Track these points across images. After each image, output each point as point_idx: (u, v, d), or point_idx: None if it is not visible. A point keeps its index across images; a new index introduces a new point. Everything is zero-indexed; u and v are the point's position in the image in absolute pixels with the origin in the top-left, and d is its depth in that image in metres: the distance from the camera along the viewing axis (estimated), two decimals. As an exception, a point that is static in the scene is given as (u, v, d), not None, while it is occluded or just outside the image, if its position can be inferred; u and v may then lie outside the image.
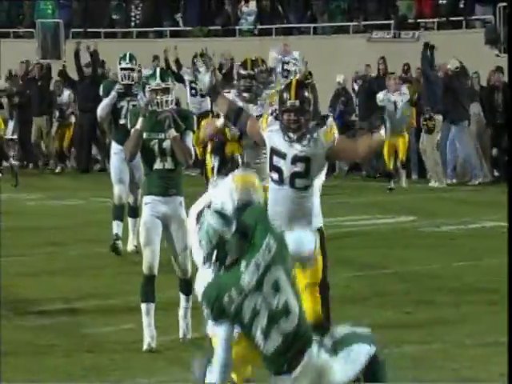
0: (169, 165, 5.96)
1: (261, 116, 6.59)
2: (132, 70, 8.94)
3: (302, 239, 4.74)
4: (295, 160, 4.91)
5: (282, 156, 4.94)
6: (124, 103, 8.86)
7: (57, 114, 16.68)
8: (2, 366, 5.51)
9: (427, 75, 14.52)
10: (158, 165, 5.97)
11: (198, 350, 5.14)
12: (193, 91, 13.51)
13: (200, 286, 3.78)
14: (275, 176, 4.98)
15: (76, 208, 12.06)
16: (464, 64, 14.90)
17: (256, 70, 6.82)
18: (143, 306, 5.93)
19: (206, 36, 18.53)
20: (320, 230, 5.00)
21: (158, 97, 5.95)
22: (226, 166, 3.77)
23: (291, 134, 4.91)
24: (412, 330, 6.22)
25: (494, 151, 14.79)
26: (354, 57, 15.99)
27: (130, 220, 8.89)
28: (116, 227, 8.82)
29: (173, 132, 5.95)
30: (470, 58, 14.77)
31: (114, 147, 8.96)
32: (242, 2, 18.96)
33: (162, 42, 16.62)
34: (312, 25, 18.70)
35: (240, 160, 6.02)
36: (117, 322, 6.43)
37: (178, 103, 6.22)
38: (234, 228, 3.64)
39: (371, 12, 18.35)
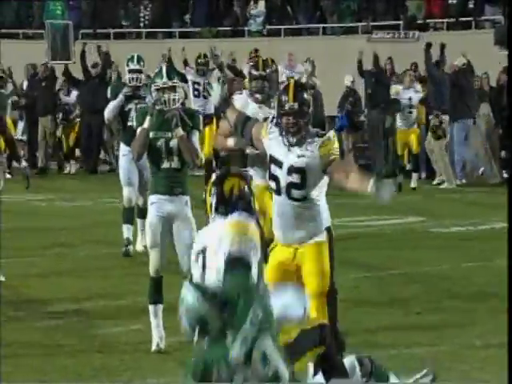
0: (175, 164, 5.95)
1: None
2: (140, 71, 8.90)
3: (291, 304, 4.44)
4: (291, 170, 4.83)
5: (279, 165, 4.86)
6: (132, 106, 8.84)
7: (60, 115, 16.68)
8: (11, 366, 5.53)
9: (433, 75, 14.50)
10: (164, 164, 5.95)
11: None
12: (196, 92, 13.48)
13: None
14: (273, 185, 4.91)
15: (84, 209, 12.08)
16: (473, 64, 14.88)
17: (268, 70, 6.76)
18: (151, 308, 5.94)
19: (214, 37, 18.54)
20: (328, 230, 4.94)
21: (165, 95, 5.92)
22: (224, 204, 3.62)
23: (291, 138, 4.82)
24: (421, 331, 6.21)
25: (503, 153, 14.75)
26: (363, 57, 15.94)
27: (138, 221, 8.90)
28: (126, 231, 8.85)
29: (180, 131, 5.93)
30: (480, 58, 14.74)
31: (123, 149, 8.96)
32: (251, 3, 18.96)
33: (171, 43, 16.62)
34: (321, 25, 18.69)
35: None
36: (126, 323, 6.45)
37: (183, 103, 6.18)
38: (215, 303, 3.52)
39: (380, 12, 18.34)
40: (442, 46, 14.55)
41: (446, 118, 14.46)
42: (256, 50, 15.13)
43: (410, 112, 13.41)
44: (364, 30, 18.10)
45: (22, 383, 5.26)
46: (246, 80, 12.11)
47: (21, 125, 17.03)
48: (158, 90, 5.97)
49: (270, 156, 4.88)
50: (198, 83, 13.14)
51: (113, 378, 5.31)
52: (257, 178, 6.27)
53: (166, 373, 5.38)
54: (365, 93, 15.77)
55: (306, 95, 4.87)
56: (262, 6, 18.90)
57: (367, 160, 16.39)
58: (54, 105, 16.67)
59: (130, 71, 8.92)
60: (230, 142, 6.52)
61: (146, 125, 5.94)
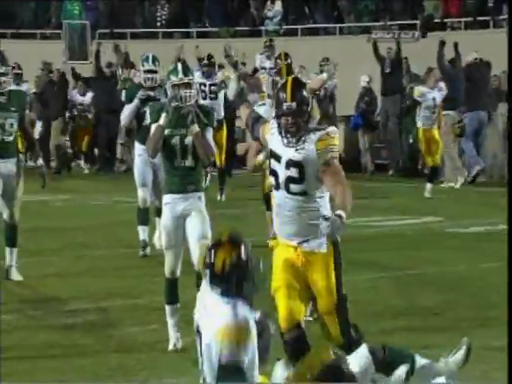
0: (189, 162, 5.93)
1: None
2: (155, 71, 8.86)
3: None
4: (289, 164, 4.69)
5: (278, 159, 4.73)
6: (147, 108, 8.82)
7: (67, 114, 16.68)
8: (29, 365, 5.55)
9: (446, 73, 14.44)
10: (178, 162, 5.93)
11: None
12: (202, 94, 13.42)
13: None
14: (273, 180, 4.79)
15: (101, 209, 12.12)
16: (492, 63, 14.82)
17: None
18: (167, 308, 5.95)
19: (232, 36, 18.55)
20: (332, 240, 4.73)
21: (181, 91, 5.92)
22: (217, 280, 3.47)
23: (290, 138, 4.68)
24: (439, 331, 6.19)
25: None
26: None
27: (156, 219, 8.90)
28: (142, 233, 8.85)
29: (196, 127, 5.92)
30: (498, 57, 14.66)
31: (138, 148, 8.92)
32: (268, 3, 18.94)
33: (189, 43, 16.65)
34: (337, 25, 18.66)
35: None
36: (143, 323, 6.46)
37: (196, 100, 6.14)
38: None
39: (397, 12, 18.30)
40: (456, 45, 14.48)
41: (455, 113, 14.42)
42: (271, 40, 15.10)
43: (434, 112, 13.36)
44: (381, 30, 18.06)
45: (39, 383, 5.29)
46: (262, 76, 12.01)
47: (39, 125, 17.10)
48: (173, 86, 5.97)
49: (270, 150, 4.79)
50: (204, 84, 13.08)
51: (129, 378, 5.33)
52: None
53: (182, 372, 5.38)
54: (381, 79, 15.82)
55: (304, 93, 4.69)
56: (278, 5, 18.88)
57: (384, 160, 16.37)
58: (64, 106, 16.71)
59: (146, 71, 8.90)
60: (260, 156, 6.44)
61: (161, 121, 5.92)
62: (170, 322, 5.96)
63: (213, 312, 3.56)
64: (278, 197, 4.75)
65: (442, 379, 4.75)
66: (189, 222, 5.88)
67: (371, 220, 10.78)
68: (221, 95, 12.97)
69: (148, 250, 8.83)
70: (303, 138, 4.66)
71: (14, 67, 12.89)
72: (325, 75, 7.54)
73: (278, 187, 4.74)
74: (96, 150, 17.08)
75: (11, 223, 7.87)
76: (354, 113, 16.29)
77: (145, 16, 20.08)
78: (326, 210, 4.72)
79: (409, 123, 15.43)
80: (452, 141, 14.35)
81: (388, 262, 8.51)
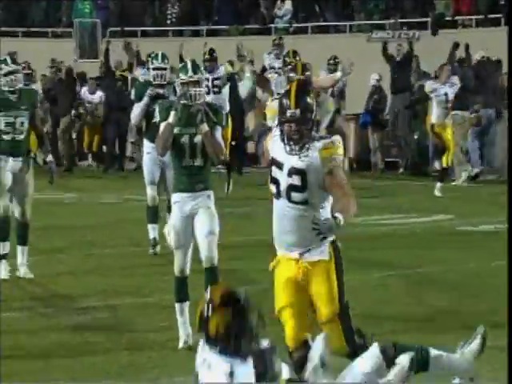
0: (198, 161, 5.91)
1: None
2: (164, 69, 8.86)
3: None
4: (291, 172, 4.56)
5: (280, 167, 4.59)
6: (156, 106, 8.81)
7: (72, 111, 16.69)
8: (42, 363, 5.57)
9: (457, 73, 14.41)
10: (187, 161, 5.92)
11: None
12: (205, 89, 13.36)
13: None
14: (273, 188, 4.63)
15: (111, 207, 12.13)
16: (503, 62, 14.78)
17: (307, 73, 6.44)
18: (177, 306, 5.95)
19: (241, 34, 18.55)
20: (333, 244, 4.62)
21: (191, 89, 5.91)
22: (212, 342, 3.42)
23: (293, 146, 4.55)
24: (449, 328, 6.18)
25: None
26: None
27: (167, 215, 8.90)
28: (152, 231, 8.87)
29: (205, 126, 5.90)
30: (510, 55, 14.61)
31: (147, 146, 8.93)
32: (278, 2, 18.92)
33: (198, 41, 16.65)
34: (347, 23, 18.63)
35: None
36: (153, 320, 6.47)
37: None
38: None
39: (408, 10, 18.27)
40: (467, 46, 14.46)
41: (465, 113, 14.38)
42: (280, 38, 15.07)
43: (446, 107, 13.33)
44: (391, 28, 18.02)
45: (51, 381, 5.30)
46: (270, 75, 11.92)
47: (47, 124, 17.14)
48: (182, 84, 5.96)
49: (272, 158, 4.64)
50: (207, 79, 13.06)
51: (140, 376, 5.33)
52: None
53: (193, 370, 5.37)
54: (390, 77, 15.80)
55: (309, 99, 4.55)
56: (288, 4, 18.86)
57: (394, 158, 16.34)
58: (71, 105, 16.73)
59: (155, 69, 8.90)
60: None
61: (170, 120, 5.90)
62: (180, 320, 5.96)
63: (212, 367, 3.50)
64: (279, 206, 4.62)
65: (457, 380, 4.70)
66: (197, 220, 5.88)
67: (381, 218, 10.76)
68: (225, 90, 12.95)
69: (158, 248, 8.83)
70: (307, 146, 4.54)
71: (24, 67, 12.94)
72: (339, 74, 7.39)
73: (279, 196, 4.62)
74: (104, 149, 17.10)
75: (23, 221, 7.89)
76: (363, 111, 16.27)
77: (155, 14, 20.11)
78: (326, 213, 4.58)
79: (415, 120, 15.44)
80: (460, 139, 14.31)
81: (398, 261, 8.49)
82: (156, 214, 8.94)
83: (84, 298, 7.18)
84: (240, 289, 3.48)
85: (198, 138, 5.92)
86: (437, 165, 13.96)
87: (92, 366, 5.55)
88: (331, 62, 14.34)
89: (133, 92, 9.27)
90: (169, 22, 19.66)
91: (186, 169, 5.92)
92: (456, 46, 14.34)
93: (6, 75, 7.78)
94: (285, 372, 3.92)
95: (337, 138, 4.65)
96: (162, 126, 5.97)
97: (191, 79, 5.95)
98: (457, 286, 7.47)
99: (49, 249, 9.01)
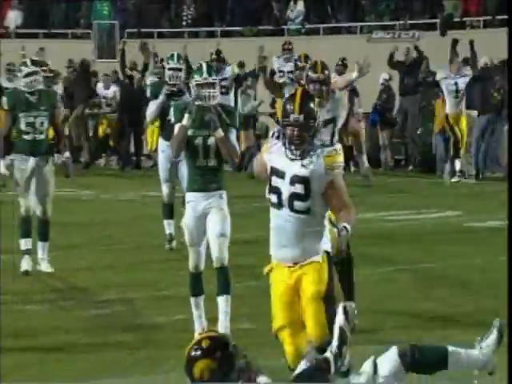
0: (212, 162, 5.91)
1: (332, 120, 6.19)
2: (180, 69, 8.85)
3: None
4: (294, 181, 4.47)
5: (281, 175, 4.49)
6: (172, 103, 8.82)
7: (87, 110, 16.70)
8: (64, 354, 5.60)
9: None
10: (200, 162, 5.92)
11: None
12: None
13: None
14: (274, 198, 4.52)
15: (128, 204, 12.17)
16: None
17: (326, 72, 6.28)
18: (192, 300, 5.98)
19: (255, 35, 18.54)
20: (327, 253, 4.55)
21: (205, 91, 5.91)
22: None
23: (294, 150, 4.48)
24: (456, 322, 6.18)
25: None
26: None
27: (183, 210, 8.92)
28: (167, 227, 8.89)
29: (220, 132, 5.88)
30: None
31: (162, 144, 8.94)
32: (291, 3, 18.91)
33: (212, 42, 16.67)
34: (358, 24, 18.60)
35: None
36: (169, 313, 6.50)
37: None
38: None
39: (417, 12, 18.22)
40: (472, 43, 14.34)
41: (474, 112, 14.33)
42: (289, 43, 15.03)
43: (457, 97, 13.27)
44: (401, 29, 17.99)
45: (70, 372, 5.34)
46: (276, 76, 11.76)
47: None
48: (197, 85, 5.97)
49: (272, 168, 4.53)
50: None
51: (156, 367, 5.36)
52: None
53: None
54: (399, 80, 15.77)
55: (312, 106, 4.50)
56: (301, 5, 18.84)
57: (403, 156, 16.31)
58: (84, 100, 16.75)
59: (170, 69, 8.92)
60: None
61: (184, 122, 5.90)
62: (196, 313, 5.99)
63: None
64: (280, 216, 4.50)
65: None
66: (209, 219, 5.89)
67: (390, 214, 10.76)
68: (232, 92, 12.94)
69: (174, 243, 8.87)
70: (310, 153, 4.49)
71: (45, 70, 12.98)
72: (354, 74, 7.24)
73: (280, 206, 4.50)
74: (120, 146, 17.11)
75: (44, 219, 7.95)
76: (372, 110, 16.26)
77: (171, 17, 20.15)
78: (325, 236, 4.56)
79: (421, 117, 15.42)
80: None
81: (405, 256, 8.49)
82: (171, 210, 8.97)
83: (102, 292, 7.22)
84: (226, 336, 3.47)
85: (211, 140, 5.92)
86: (457, 165, 13.79)
87: (109, 357, 5.58)
88: (339, 63, 14.32)
89: (148, 90, 9.29)
90: (184, 23, 19.70)
91: (199, 169, 5.93)
92: (455, 42, 14.23)
93: (25, 76, 7.83)
94: None
95: (338, 146, 4.67)
96: (177, 127, 5.98)
97: (206, 81, 5.96)
98: (463, 281, 7.47)
99: (68, 244, 9.06)
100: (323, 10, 18.93)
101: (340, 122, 6.34)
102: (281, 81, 12.99)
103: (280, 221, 4.53)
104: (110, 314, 6.60)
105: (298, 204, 4.49)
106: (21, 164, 7.86)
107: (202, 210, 5.92)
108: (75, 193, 12.46)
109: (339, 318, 4.16)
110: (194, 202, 5.95)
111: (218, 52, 13.22)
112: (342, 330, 4.13)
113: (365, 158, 13.85)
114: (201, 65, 6.15)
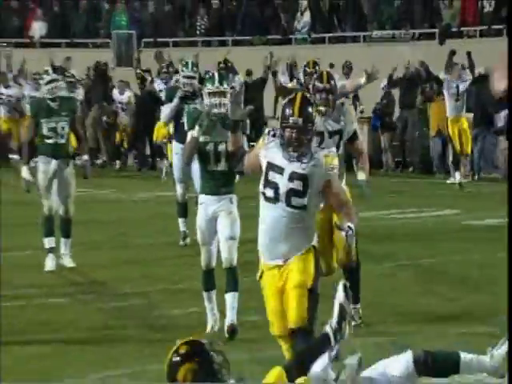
0: (222, 167, 5.90)
1: (338, 132, 6.01)
2: (193, 77, 8.86)
3: None
4: (293, 177, 4.40)
5: (279, 171, 4.42)
6: (185, 106, 8.82)
7: (104, 118, 16.67)
8: (79, 345, 5.60)
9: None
10: (211, 166, 5.91)
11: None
12: None
13: None
14: (270, 193, 4.43)
15: (144, 203, 12.18)
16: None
17: (332, 82, 6.09)
18: (205, 294, 5.99)
19: (264, 44, 18.54)
20: (313, 246, 4.48)
21: (217, 99, 5.90)
22: None
23: (291, 152, 4.41)
24: (456, 317, 6.14)
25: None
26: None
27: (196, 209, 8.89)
28: (182, 225, 8.91)
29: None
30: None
31: (175, 146, 8.95)
32: (298, 14, 18.90)
33: (224, 50, 16.67)
34: (362, 33, 18.56)
35: None
36: (184, 306, 6.49)
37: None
38: None
39: (418, 21, 18.19)
40: (469, 54, 14.28)
41: (469, 115, 14.25)
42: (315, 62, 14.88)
43: (458, 100, 13.22)
44: (404, 39, 17.96)
45: (90, 361, 5.33)
46: (290, 84, 11.75)
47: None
48: (209, 94, 5.97)
49: (268, 163, 4.45)
50: None
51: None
52: None
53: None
54: (399, 93, 15.72)
55: (311, 111, 4.44)
56: (307, 16, 18.83)
57: (404, 158, 16.26)
58: (105, 98, 16.73)
59: (185, 77, 8.91)
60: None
61: (195, 133, 5.89)
62: (208, 306, 5.99)
63: None
64: (274, 210, 4.43)
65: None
66: (219, 222, 5.89)
67: (392, 213, 10.73)
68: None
69: (188, 240, 8.86)
70: (309, 155, 4.43)
71: (67, 76, 12.99)
72: (363, 80, 7.12)
73: (276, 200, 4.43)
74: (135, 148, 17.10)
75: (66, 218, 8.00)
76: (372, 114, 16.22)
77: (185, 27, 20.19)
78: (313, 231, 4.50)
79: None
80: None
81: (407, 252, 8.46)
82: (185, 209, 8.96)
83: (120, 285, 7.23)
84: (205, 340, 3.47)
85: (222, 147, 5.91)
86: (457, 175, 13.60)
87: (126, 347, 5.58)
88: (345, 66, 14.27)
89: (163, 94, 9.27)
90: (198, 33, 19.72)
91: (210, 173, 5.93)
92: (452, 53, 14.16)
93: (47, 84, 7.87)
94: None
95: (333, 150, 4.63)
96: (189, 136, 5.97)
97: (218, 89, 5.96)
98: (462, 277, 7.43)
99: (89, 241, 9.07)
100: (328, 21, 18.92)
101: (343, 139, 6.07)
102: (289, 85, 12.94)
103: (274, 214, 4.46)
104: (126, 307, 6.59)
105: (295, 200, 4.43)
106: (44, 166, 7.90)
107: (212, 212, 5.92)
108: (94, 192, 12.47)
109: (339, 295, 4.10)
110: (205, 204, 5.96)
111: (226, 61, 13.17)
112: (341, 306, 4.07)
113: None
114: (213, 74, 6.16)
